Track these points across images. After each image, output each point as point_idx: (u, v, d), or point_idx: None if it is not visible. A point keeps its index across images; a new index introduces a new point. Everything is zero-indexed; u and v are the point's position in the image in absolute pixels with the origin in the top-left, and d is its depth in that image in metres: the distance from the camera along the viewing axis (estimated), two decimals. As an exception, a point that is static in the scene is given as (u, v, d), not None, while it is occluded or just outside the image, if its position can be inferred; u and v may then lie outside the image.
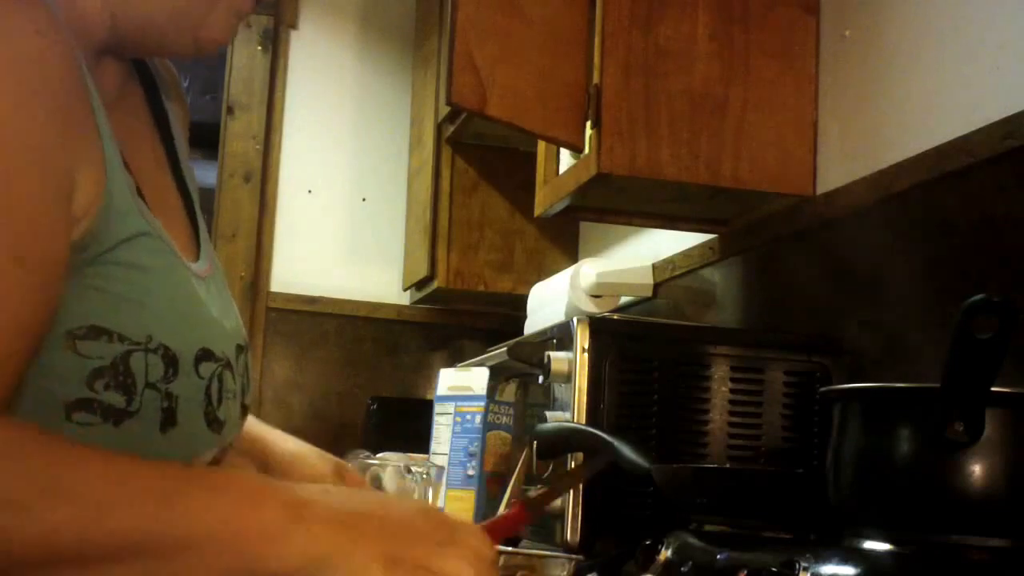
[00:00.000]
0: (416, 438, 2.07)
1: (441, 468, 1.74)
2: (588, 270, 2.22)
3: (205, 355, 0.85)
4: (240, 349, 0.93)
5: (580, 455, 1.46)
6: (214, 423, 0.87)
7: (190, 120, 1.12)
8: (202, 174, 5.50)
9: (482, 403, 1.87)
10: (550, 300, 2.29)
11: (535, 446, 1.48)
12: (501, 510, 1.65)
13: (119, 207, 0.78)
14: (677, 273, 2.20)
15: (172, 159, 1.00)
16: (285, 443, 1.23)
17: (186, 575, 0.67)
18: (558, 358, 1.57)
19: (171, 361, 0.81)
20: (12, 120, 0.67)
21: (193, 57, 0.93)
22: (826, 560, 0.94)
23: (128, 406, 0.77)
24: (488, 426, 1.86)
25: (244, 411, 0.96)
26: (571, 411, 1.54)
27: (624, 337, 1.59)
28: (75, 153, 0.72)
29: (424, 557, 0.74)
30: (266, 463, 1.20)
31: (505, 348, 1.79)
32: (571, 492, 1.50)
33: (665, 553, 1.10)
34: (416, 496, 1.61)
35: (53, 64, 0.71)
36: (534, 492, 0.93)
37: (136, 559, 0.66)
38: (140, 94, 0.99)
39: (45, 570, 0.64)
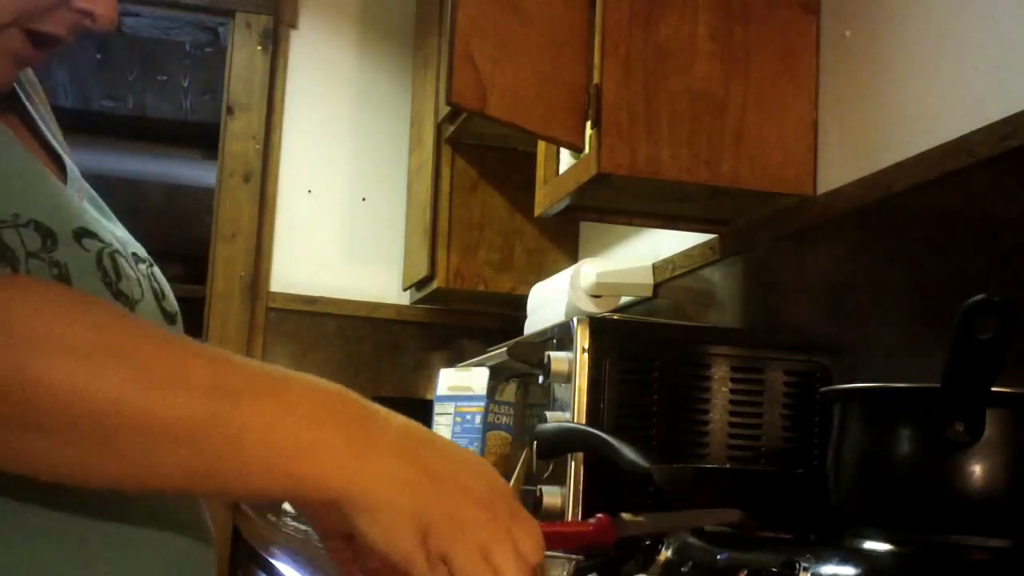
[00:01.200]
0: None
1: (441, 468, 1.74)
2: (588, 270, 2.21)
3: (85, 233, 0.83)
4: (137, 257, 0.91)
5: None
6: (120, 296, 0.84)
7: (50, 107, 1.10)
8: (202, 174, 5.51)
9: (482, 403, 1.87)
10: (550, 300, 2.29)
11: (535, 446, 1.48)
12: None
13: None
14: (677, 273, 2.20)
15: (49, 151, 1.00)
16: None
17: (229, 474, 0.65)
18: (558, 358, 1.57)
19: (47, 234, 0.79)
20: None
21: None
22: (826, 560, 0.94)
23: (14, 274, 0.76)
24: (488, 426, 1.86)
25: (170, 317, 0.94)
26: (571, 411, 1.54)
27: (624, 337, 1.59)
28: None
29: (460, 547, 0.68)
30: None
31: (505, 348, 1.79)
32: (572, 490, 1.50)
33: (665, 553, 1.10)
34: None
35: None
36: (630, 516, 0.87)
37: (178, 445, 0.64)
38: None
39: (72, 430, 0.62)
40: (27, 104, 1.01)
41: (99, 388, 0.62)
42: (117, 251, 0.87)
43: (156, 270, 0.94)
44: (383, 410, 0.70)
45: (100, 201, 0.98)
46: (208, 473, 0.66)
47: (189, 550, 0.85)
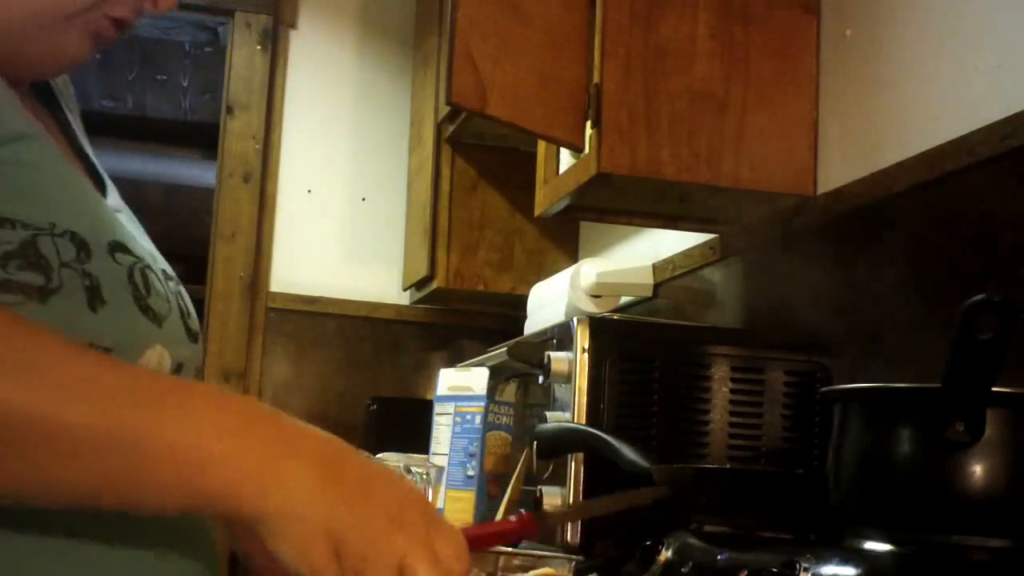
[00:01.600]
0: (416, 438, 2.07)
1: (441, 468, 1.74)
2: (588, 270, 2.21)
3: (119, 247, 0.84)
4: (166, 275, 0.92)
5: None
6: (148, 312, 0.85)
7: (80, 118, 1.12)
8: (202, 174, 5.51)
9: (482, 403, 1.87)
10: (550, 300, 2.29)
11: (535, 446, 1.49)
12: (500, 513, 1.65)
13: None
14: (677, 273, 2.20)
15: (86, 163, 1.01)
16: None
17: (136, 488, 0.64)
18: (558, 358, 1.57)
19: (81, 245, 0.80)
20: None
21: (53, 76, 0.94)
22: (826, 560, 0.94)
23: (48, 283, 0.77)
24: (488, 426, 1.86)
25: (193, 336, 0.95)
26: (571, 411, 1.54)
27: (624, 337, 1.59)
28: None
29: (375, 561, 0.67)
30: None
31: (505, 348, 1.79)
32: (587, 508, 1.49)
33: (665, 553, 1.10)
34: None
35: None
36: (552, 507, 0.87)
37: (82, 457, 0.64)
38: (44, 112, 1.00)
39: None
40: (66, 112, 1.02)
41: None
42: (148, 266, 0.88)
43: (183, 289, 0.95)
44: (295, 422, 0.68)
45: (133, 215, 0.99)
46: (114, 486, 0.65)
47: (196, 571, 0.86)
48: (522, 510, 0.84)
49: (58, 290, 0.77)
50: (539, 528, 0.86)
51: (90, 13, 0.88)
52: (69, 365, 0.65)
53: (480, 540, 0.82)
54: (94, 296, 0.79)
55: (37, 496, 0.66)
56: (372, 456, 1.64)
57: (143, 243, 0.93)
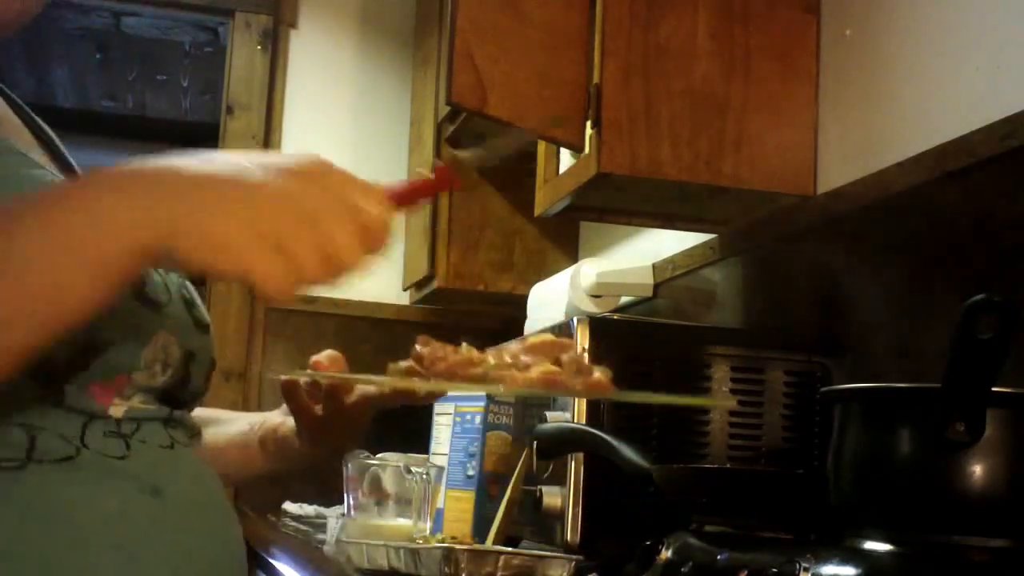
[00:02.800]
0: (416, 438, 2.07)
1: (441, 468, 1.74)
2: (588, 270, 2.21)
3: None
4: (167, 268, 0.91)
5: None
6: (146, 301, 0.85)
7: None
8: (202, 174, 5.52)
9: (482, 403, 1.87)
10: (550, 300, 2.29)
11: (535, 446, 1.48)
12: (500, 513, 1.65)
13: None
14: (677, 273, 2.20)
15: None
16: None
17: (39, 289, 0.64)
18: (558, 358, 1.57)
19: None
20: None
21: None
22: (826, 560, 0.94)
23: None
24: (488, 426, 1.86)
25: (203, 327, 0.95)
26: (571, 411, 1.54)
27: (624, 337, 1.59)
28: None
29: (299, 228, 0.66)
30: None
31: (505, 348, 1.79)
32: (570, 482, 1.49)
33: (665, 553, 1.10)
34: (415, 496, 1.61)
35: None
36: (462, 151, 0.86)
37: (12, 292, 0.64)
38: None
39: None
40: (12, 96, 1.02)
41: None
42: None
43: (188, 283, 0.94)
44: (161, 160, 0.68)
45: None
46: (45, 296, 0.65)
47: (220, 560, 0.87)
48: (438, 160, 0.84)
49: None
50: (456, 180, 0.85)
51: None
52: None
53: (401, 196, 0.78)
54: None
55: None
56: (372, 455, 1.64)
57: None
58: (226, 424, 1.20)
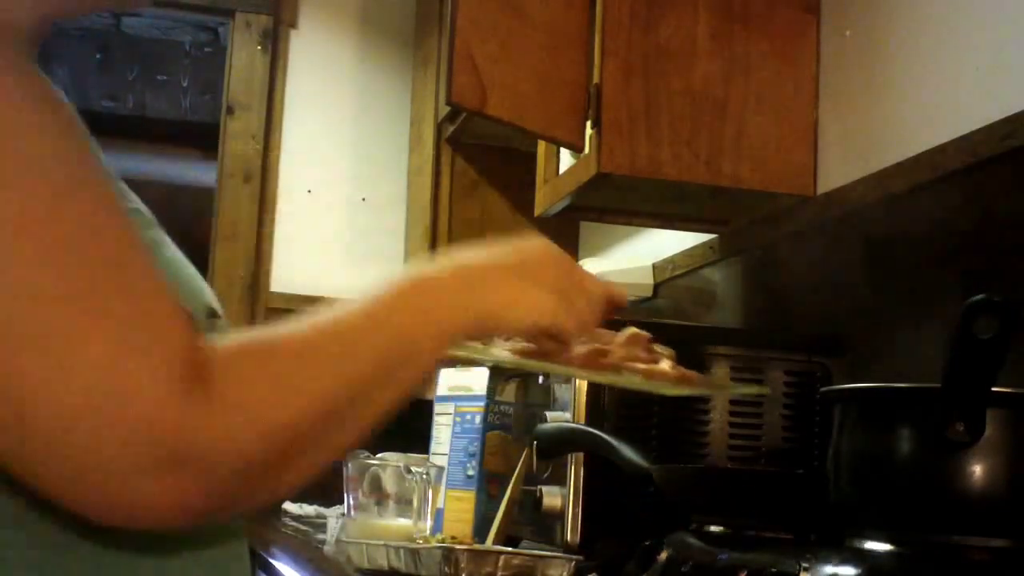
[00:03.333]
0: (416, 438, 2.07)
1: (441, 468, 1.74)
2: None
3: (212, 313, 0.90)
4: (214, 312, 0.95)
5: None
6: (212, 315, 0.90)
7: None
8: (202, 174, 5.52)
9: (482, 403, 1.87)
10: (550, 300, 2.29)
11: (535, 446, 1.48)
12: (500, 513, 1.65)
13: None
14: (677, 273, 2.20)
15: None
16: None
17: (415, 362, 0.79)
18: (558, 358, 1.57)
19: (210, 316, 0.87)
20: (75, 139, 0.72)
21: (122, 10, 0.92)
22: (826, 560, 0.94)
23: None
24: (488, 426, 1.86)
25: None
26: (571, 411, 1.54)
27: (624, 337, 1.59)
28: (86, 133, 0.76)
29: (570, 278, 0.90)
30: None
31: (505, 348, 1.79)
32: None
33: (665, 553, 1.10)
34: (415, 496, 1.61)
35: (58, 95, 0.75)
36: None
37: (384, 375, 0.77)
38: None
39: (334, 421, 0.74)
40: None
41: (312, 401, 0.73)
42: (224, 324, 0.92)
43: (222, 322, 0.97)
44: (468, 260, 0.86)
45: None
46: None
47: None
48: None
49: None
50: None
51: None
52: (338, 335, 0.76)
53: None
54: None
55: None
56: (372, 455, 1.64)
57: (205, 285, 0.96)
58: None
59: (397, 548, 1.39)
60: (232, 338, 0.73)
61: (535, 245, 0.92)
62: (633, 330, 1.01)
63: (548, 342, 0.92)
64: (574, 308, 0.89)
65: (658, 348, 1.02)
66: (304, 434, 0.72)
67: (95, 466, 0.64)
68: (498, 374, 1.90)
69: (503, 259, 0.88)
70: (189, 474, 0.65)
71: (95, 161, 0.73)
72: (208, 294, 0.92)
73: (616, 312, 0.96)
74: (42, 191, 0.67)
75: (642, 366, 0.99)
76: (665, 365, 1.01)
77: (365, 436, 0.78)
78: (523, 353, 0.96)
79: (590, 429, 1.44)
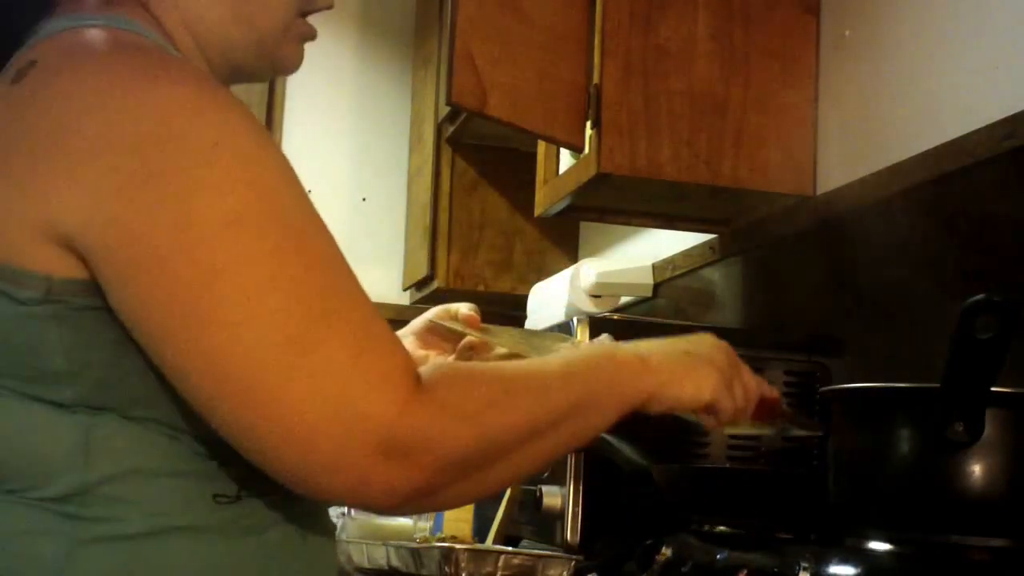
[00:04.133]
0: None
1: (441, 468, 1.74)
2: (588, 270, 2.21)
3: None
4: None
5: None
6: None
7: None
8: (202, 174, 5.52)
9: (482, 403, 1.86)
10: (550, 300, 2.29)
11: (535, 446, 1.48)
12: (500, 513, 1.65)
13: None
14: (677, 273, 2.20)
15: None
16: None
17: (593, 419, 0.91)
18: (558, 358, 1.57)
19: None
20: (287, 164, 0.84)
21: (268, 78, 1.09)
22: (826, 560, 0.94)
23: None
24: (488, 426, 1.86)
25: None
26: (571, 411, 1.54)
27: (624, 337, 1.59)
28: None
29: (733, 371, 1.02)
30: None
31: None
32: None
33: (665, 553, 1.10)
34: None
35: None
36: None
37: (566, 421, 0.88)
38: None
39: (523, 446, 0.85)
40: None
41: (514, 420, 0.85)
42: None
43: None
44: (649, 346, 0.98)
45: None
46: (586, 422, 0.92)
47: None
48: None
49: None
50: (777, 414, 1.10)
51: (295, 24, 1.02)
52: (532, 383, 0.88)
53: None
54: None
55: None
56: None
57: None
58: None
59: (397, 548, 1.39)
60: (436, 363, 0.88)
61: (706, 337, 1.05)
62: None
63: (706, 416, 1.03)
64: (732, 393, 1.01)
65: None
66: (503, 445, 0.83)
67: (331, 454, 0.76)
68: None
69: (678, 345, 1.01)
70: (413, 462, 0.78)
71: (308, 196, 0.86)
72: None
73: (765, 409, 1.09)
74: (293, 229, 0.81)
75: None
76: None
77: (542, 465, 0.90)
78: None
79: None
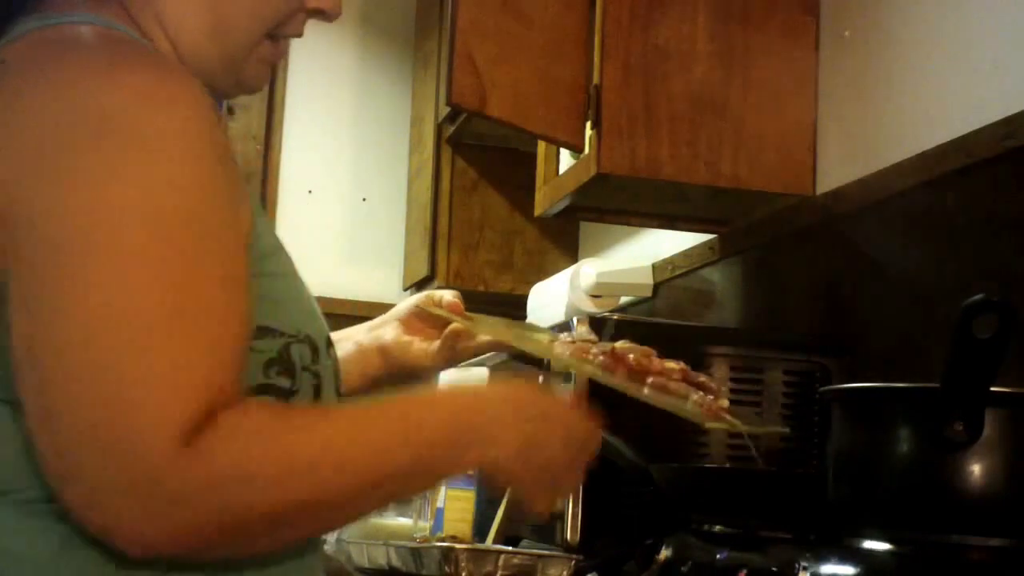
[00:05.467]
0: (416, 438, 2.07)
1: (441, 468, 1.74)
2: (588, 270, 2.22)
3: (329, 342, 0.98)
4: (329, 342, 1.05)
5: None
6: (341, 396, 1.01)
7: None
8: (202, 174, 5.52)
9: (482, 403, 1.87)
10: (550, 300, 2.29)
11: (535, 446, 1.48)
12: (500, 513, 1.65)
13: (258, 228, 0.91)
14: (677, 273, 2.20)
15: None
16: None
17: (403, 492, 0.88)
18: (558, 358, 1.57)
19: (313, 348, 0.93)
20: (212, 181, 0.82)
21: (231, 96, 1.06)
22: (826, 560, 0.94)
23: (292, 386, 0.90)
24: (488, 426, 1.86)
25: (340, 396, 1.06)
26: (571, 411, 1.54)
27: (624, 337, 1.59)
28: (242, 192, 0.88)
29: (556, 473, 0.94)
30: None
31: (505, 348, 1.79)
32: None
33: (665, 553, 1.10)
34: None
35: (213, 121, 0.85)
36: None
37: (368, 493, 0.83)
38: None
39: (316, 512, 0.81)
40: None
41: (342, 481, 0.81)
42: (337, 355, 1.01)
43: (334, 350, 1.05)
44: (497, 406, 0.92)
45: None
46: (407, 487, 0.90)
47: None
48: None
49: (297, 392, 0.90)
50: None
51: (259, 46, 1.00)
52: (334, 441, 0.82)
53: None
54: (316, 394, 0.92)
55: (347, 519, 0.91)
56: None
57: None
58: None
59: (397, 547, 1.39)
60: (258, 404, 0.82)
61: (563, 418, 0.97)
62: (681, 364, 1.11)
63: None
64: (555, 487, 0.95)
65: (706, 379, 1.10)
66: (277, 518, 0.78)
67: (87, 476, 0.73)
68: (498, 374, 1.90)
69: (527, 427, 0.93)
70: (169, 510, 0.73)
71: (232, 211, 0.84)
72: (325, 324, 1.00)
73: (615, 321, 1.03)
74: (191, 238, 0.79)
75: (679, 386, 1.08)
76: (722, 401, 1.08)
77: (336, 526, 0.86)
78: (581, 360, 1.05)
79: (590, 429, 1.43)
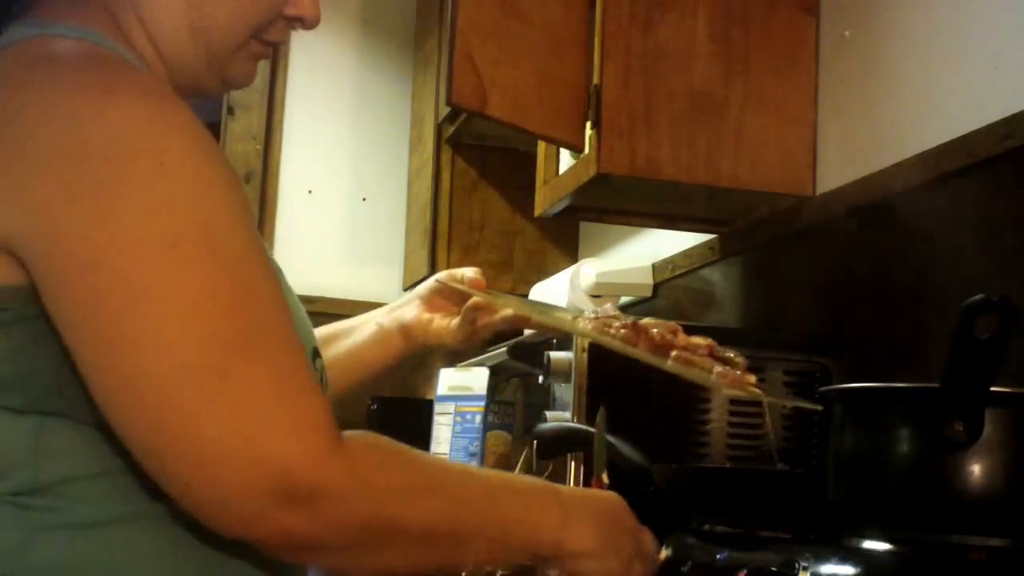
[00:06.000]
0: (416, 438, 2.07)
1: (441, 468, 1.74)
2: (588, 270, 2.22)
3: (315, 353, 1.00)
4: (316, 353, 1.07)
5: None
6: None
7: None
8: (202, 174, 5.52)
9: (482, 403, 1.87)
10: (550, 300, 2.29)
11: (535, 446, 1.49)
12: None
13: None
14: (677, 273, 2.20)
15: None
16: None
17: (494, 550, 0.90)
18: (558, 358, 1.57)
19: (314, 358, 0.96)
20: (238, 198, 0.84)
21: (217, 95, 1.07)
22: (826, 560, 0.94)
23: None
24: (488, 426, 1.86)
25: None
26: (571, 411, 1.54)
27: (624, 337, 1.59)
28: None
29: (637, 557, 0.99)
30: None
31: (505, 348, 1.79)
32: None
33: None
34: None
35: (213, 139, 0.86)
36: None
37: (472, 539, 0.87)
38: None
39: (422, 543, 0.84)
40: None
41: (420, 516, 0.84)
42: (323, 363, 1.03)
43: (321, 360, 1.07)
44: (579, 502, 0.97)
45: None
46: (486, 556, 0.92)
47: None
48: None
49: None
50: None
51: (246, 45, 1.00)
52: (457, 483, 0.88)
53: None
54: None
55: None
56: None
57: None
58: (350, 334, 1.48)
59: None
60: (363, 432, 0.85)
61: (623, 520, 1.02)
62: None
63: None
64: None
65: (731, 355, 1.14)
66: (397, 533, 0.82)
67: (235, 489, 0.76)
68: (498, 374, 1.90)
69: (598, 522, 0.98)
70: (314, 513, 0.77)
71: (254, 226, 0.85)
72: (313, 334, 1.02)
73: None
74: (229, 258, 0.80)
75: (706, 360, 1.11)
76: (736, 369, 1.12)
77: (434, 569, 0.89)
78: (603, 333, 1.08)
79: (590, 429, 1.44)
